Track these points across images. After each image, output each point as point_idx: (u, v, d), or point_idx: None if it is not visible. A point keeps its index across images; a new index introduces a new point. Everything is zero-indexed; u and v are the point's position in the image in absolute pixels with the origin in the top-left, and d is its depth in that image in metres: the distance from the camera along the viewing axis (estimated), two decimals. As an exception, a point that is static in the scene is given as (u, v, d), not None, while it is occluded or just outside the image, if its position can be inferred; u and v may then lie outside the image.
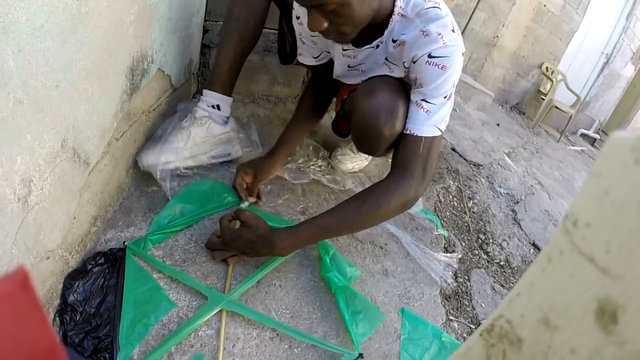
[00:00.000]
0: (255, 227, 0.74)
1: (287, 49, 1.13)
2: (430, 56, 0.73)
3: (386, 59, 0.85)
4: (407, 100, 0.81)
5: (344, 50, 0.87)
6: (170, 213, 0.84)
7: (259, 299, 0.75)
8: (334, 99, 1.14)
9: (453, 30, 0.75)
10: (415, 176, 0.77)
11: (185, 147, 0.90)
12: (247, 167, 0.94)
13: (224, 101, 0.98)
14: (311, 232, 0.76)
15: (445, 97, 0.77)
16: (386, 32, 0.79)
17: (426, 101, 0.76)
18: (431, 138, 0.77)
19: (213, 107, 0.96)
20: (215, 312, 0.68)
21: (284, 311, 0.75)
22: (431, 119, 0.77)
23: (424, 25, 0.74)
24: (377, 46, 0.82)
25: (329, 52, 0.95)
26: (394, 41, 0.79)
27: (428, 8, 0.75)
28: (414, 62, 0.76)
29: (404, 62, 0.81)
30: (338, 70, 0.95)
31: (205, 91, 0.96)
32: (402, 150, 0.79)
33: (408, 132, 0.78)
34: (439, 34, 0.73)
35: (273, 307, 0.75)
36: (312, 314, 0.77)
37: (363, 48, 0.84)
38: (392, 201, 0.76)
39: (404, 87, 0.84)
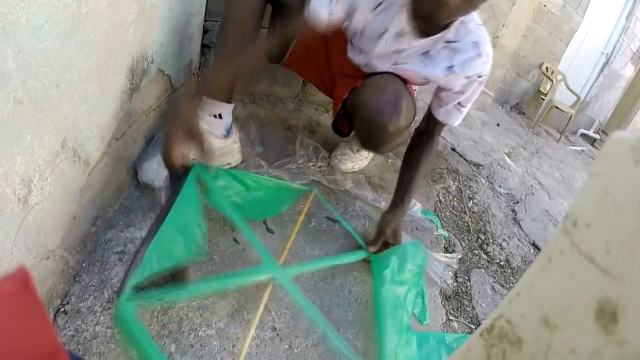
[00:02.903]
0: (399, 234, 0.93)
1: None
2: (479, 76, 0.88)
3: (425, 52, 0.88)
4: (409, 96, 0.89)
5: (398, 33, 0.85)
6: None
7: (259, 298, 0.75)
8: (333, 98, 1.14)
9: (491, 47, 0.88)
10: (437, 142, 1.03)
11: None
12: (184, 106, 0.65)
13: (226, 109, 0.95)
14: (411, 198, 0.97)
15: (474, 99, 0.96)
16: (444, 31, 0.84)
17: (462, 105, 0.95)
18: None
19: (215, 116, 0.93)
20: (266, 277, 0.61)
21: (284, 311, 0.75)
22: (463, 116, 0.98)
23: (478, 42, 0.85)
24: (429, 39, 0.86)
25: (357, 22, 0.88)
26: (446, 42, 0.85)
27: (479, 25, 0.86)
28: (467, 78, 0.88)
29: (450, 66, 0.87)
30: (379, 51, 0.90)
31: (205, 99, 0.92)
32: (435, 127, 1.00)
33: (445, 122, 0.98)
34: (487, 56, 0.87)
35: (273, 307, 0.75)
36: (312, 314, 0.77)
37: (421, 40, 0.85)
38: (434, 155, 1.03)
39: (405, 84, 0.90)
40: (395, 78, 0.89)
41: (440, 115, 0.97)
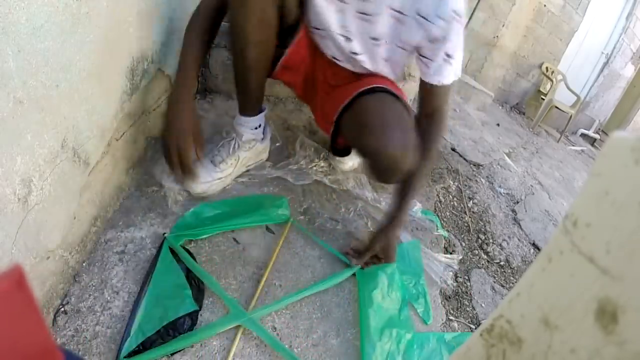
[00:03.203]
0: (391, 251, 0.91)
1: None
2: (454, 12, 0.78)
3: (398, 11, 0.80)
4: (407, 111, 0.87)
5: None
6: (214, 211, 0.87)
7: (259, 299, 0.75)
8: (312, 107, 1.11)
9: None
10: (446, 114, 0.95)
11: (234, 171, 0.97)
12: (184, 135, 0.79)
13: (262, 118, 1.01)
14: (409, 207, 0.94)
15: (461, 48, 0.85)
16: None
17: (450, 55, 0.83)
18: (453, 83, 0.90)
19: (256, 128, 1.00)
20: (232, 326, 0.68)
21: (283, 311, 0.75)
22: (455, 70, 0.86)
23: None
24: None
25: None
26: None
27: None
28: (443, 19, 0.78)
29: (419, 11, 0.79)
30: (349, 29, 0.84)
31: (243, 118, 0.96)
32: (435, 99, 0.90)
33: (440, 84, 0.86)
34: None
35: (273, 307, 0.75)
36: (312, 314, 0.77)
37: None
38: (441, 139, 0.97)
39: (403, 105, 0.87)
40: (387, 97, 0.86)
41: (432, 77, 0.86)
